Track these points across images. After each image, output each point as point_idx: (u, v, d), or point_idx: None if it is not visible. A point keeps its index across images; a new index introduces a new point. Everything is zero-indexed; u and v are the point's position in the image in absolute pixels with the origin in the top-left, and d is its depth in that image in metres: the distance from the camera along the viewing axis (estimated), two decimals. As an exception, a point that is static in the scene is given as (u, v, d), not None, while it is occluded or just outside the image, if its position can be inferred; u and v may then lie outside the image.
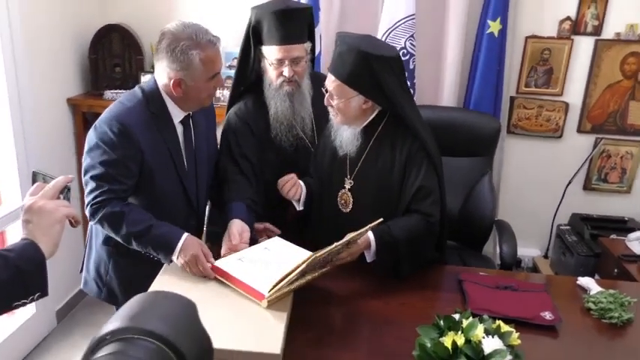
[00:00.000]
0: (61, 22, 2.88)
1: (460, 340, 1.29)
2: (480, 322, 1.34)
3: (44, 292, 1.10)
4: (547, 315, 1.65)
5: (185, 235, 1.74)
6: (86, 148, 1.77)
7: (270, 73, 2.03)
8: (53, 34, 2.81)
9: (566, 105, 3.15)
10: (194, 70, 1.71)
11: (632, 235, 2.74)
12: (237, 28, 2.51)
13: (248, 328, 1.47)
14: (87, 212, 1.75)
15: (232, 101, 2.19)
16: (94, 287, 1.96)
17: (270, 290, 1.55)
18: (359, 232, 1.70)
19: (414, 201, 1.86)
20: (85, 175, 1.76)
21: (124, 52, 3.08)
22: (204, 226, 2.13)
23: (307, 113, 2.09)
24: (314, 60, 2.23)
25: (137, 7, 3.15)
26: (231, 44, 3.01)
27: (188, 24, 1.73)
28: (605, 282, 1.97)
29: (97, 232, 1.90)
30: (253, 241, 1.90)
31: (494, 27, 2.89)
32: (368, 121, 1.91)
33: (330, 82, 1.84)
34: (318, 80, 2.09)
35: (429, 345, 1.33)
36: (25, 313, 2.71)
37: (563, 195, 3.21)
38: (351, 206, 1.96)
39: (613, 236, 2.88)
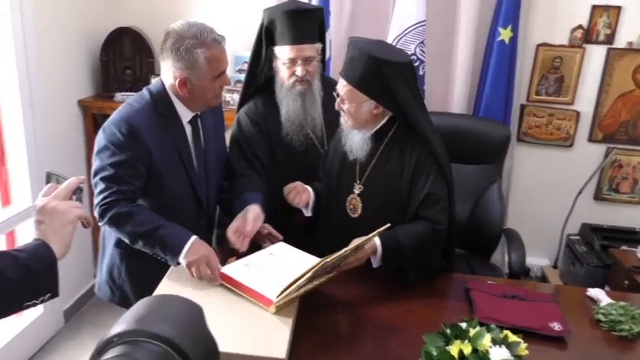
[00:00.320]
0: (73, 24, 2.90)
1: (467, 349, 1.28)
2: (488, 332, 1.33)
3: (55, 293, 1.10)
4: (556, 326, 1.63)
5: (193, 237, 1.74)
6: (95, 149, 1.78)
7: (282, 73, 2.06)
8: (65, 37, 2.84)
9: (577, 114, 3.13)
10: (199, 69, 1.72)
11: (643, 247, 2.71)
12: (248, 31, 2.52)
13: (253, 333, 1.47)
14: (95, 213, 1.75)
15: (242, 102, 2.21)
16: (107, 291, 1.96)
17: (279, 296, 1.55)
18: (366, 237, 1.70)
19: (422, 207, 1.85)
20: (94, 176, 1.76)
21: (134, 55, 3.10)
22: (214, 227, 2.13)
23: (318, 114, 2.12)
24: (324, 61, 2.25)
25: (148, 10, 3.17)
26: (241, 48, 3.02)
27: (193, 23, 1.74)
28: (616, 294, 1.94)
29: (109, 235, 1.91)
30: (257, 247, 1.90)
31: (504, 34, 2.88)
32: (379, 126, 1.90)
33: (342, 87, 1.84)
34: (328, 84, 2.12)
35: (434, 353, 1.32)
36: (33, 312, 2.72)
37: (574, 204, 3.18)
38: (359, 211, 1.96)
39: (624, 247, 2.85)
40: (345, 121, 1.91)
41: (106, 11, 3.15)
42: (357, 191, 1.96)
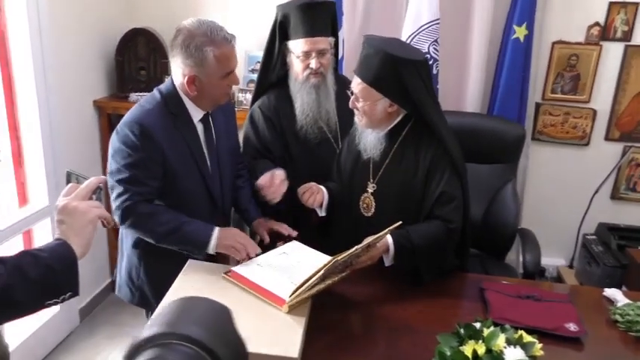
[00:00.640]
0: (89, 26, 2.93)
1: (481, 349, 1.27)
2: (502, 332, 1.31)
3: (75, 292, 1.12)
4: (571, 326, 1.61)
5: (217, 228, 1.79)
6: (110, 152, 1.79)
7: (297, 67, 2.09)
8: (81, 38, 2.87)
9: (594, 112, 3.09)
10: (208, 67, 1.72)
11: (661, 247, 2.67)
12: (261, 31, 2.53)
13: (266, 332, 1.47)
14: (116, 217, 1.76)
15: (255, 97, 2.25)
16: (127, 292, 1.97)
17: (291, 295, 1.55)
18: (378, 235, 1.69)
19: (436, 206, 1.84)
20: (111, 178, 1.77)
21: (149, 56, 3.12)
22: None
23: (331, 107, 2.15)
24: (337, 55, 2.29)
25: (163, 11, 3.19)
26: (254, 48, 3.03)
27: (204, 21, 1.74)
28: (633, 294, 1.91)
29: (126, 236, 1.93)
30: (272, 247, 1.91)
31: (520, 32, 2.86)
32: (393, 124, 1.90)
33: (356, 85, 1.84)
34: (341, 81, 2.15)
35: (448, 353, 1.31)
36: (49, 311, 2.75)
37: (590, 204, 3.14)
38: (373, 210, 1.95)
39: (641, 247, 2.81)
40: (359, 119, 1.91)
41: (120, 13, 3.17)
42: (370, 190, 1.96)
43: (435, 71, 2.83)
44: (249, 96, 2.92)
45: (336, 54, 2.23)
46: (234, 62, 1.79)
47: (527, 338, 1.32)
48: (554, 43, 3.02)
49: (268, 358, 1.37)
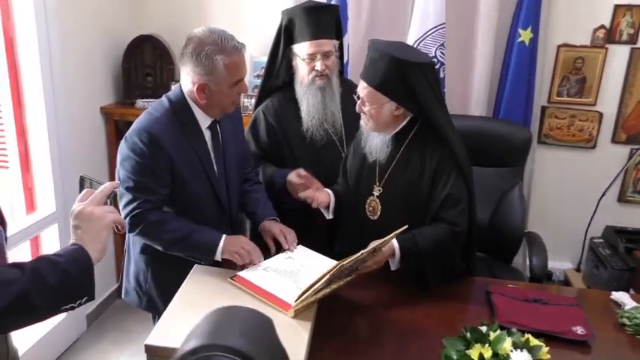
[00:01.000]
0: (96, 32, 2.96)
1: (487, 353, 1.27)
2: (508, 335, 1.32)
3: (91, 296, 1.13)
4: (579, 330, 1.60)
5: (224, 236, 1.81)
6: (119, 159, 1.80)
7: (302, 70, 2.13)
8: (88, 45, 2.89)
9: (600, 115, 3.08)
10: (218, 75, 1.73)
11: (670, 249, 2.65)
12: (266, 37, 2.54)
13: (272, 336, 1.47)
14: (125, 225, 1.77)
15: (259, 101, 2.29)
16: (134, 297, 1.98)
17: (297, 300, 1.55)
18: (384, 239, 1.69)
19: (442, 209, 1.83)
20: (120, 186, 1.78)
21: (155, 62, 3.15)
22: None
23: (337, 109, 2.18)
24: (342, 58, 2.31)
25: (169, 18, 3.22)
26: (260, 54, 3.05)
27: (214, 29, 1.76)
28: (641, 297, 1.91)
29: (134, 242, 1.94)
30: (277, 251, 1.91)
31: (525, 36, 2.86)
32: (399, 127, 1.90)
33: (362, 89, 1.84)
34: (346, 84, 2.19)
35: (454, 357, 1.31)
36: (57, 316, 2.76)
37: (597, 207, 3.13)
38: (379, 213, 1.95)
39: (649, 250, 2.80)
40: (365, 123, 1.91)
41: (127, 20, 3.20)
42: (376, 193, 1.96)
43: (442, 75, 2.84)
44: (254, 101, 2.93)
45: (341, 57, 2.26)
46: (244, 71, 1.81)
47: (534, 342, 1.32)
48: (559, 46, 3.02)
49: (275, 362, 1.37)
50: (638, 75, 2.99)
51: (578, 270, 3.25)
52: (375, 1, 3.04)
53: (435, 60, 2.78)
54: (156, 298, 1.93)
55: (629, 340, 1.63)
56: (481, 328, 1.38)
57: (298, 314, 1.55)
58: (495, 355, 1.27)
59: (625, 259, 2.82)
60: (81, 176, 1.27)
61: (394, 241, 1.78)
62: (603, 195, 3.12)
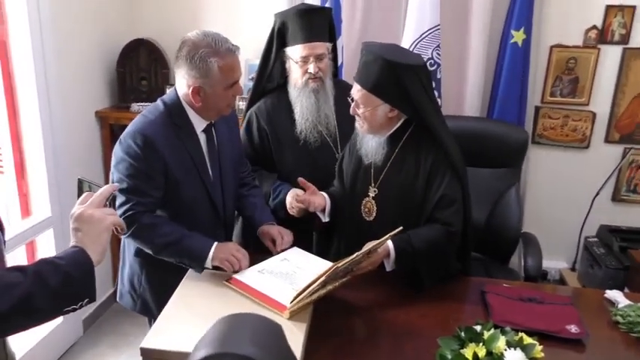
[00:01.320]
0: (91, 37, 2.96)
1: (481, 352, 1.28)
2: (502, 334, 1.32)
3: (92, 298, 1.15)
4: (573, 328, 1.61)
5: (215, 243, 1.78)
6: (113, 162, 1.80)
7: (295, 73, 2.13)
8: (83, 49, 2.90)
9: (593, 115, 3.10)
10: (212, 78, 1.73)
11: (663, 248, 2.67)
12: (260, 40, 2.55)
13: (268, 338, 1.47)
14: (124, 227, 1.77)
15: (251, 103, 2.30)
16: (129, 300, 1.98)
17: (292, 301, 1.56)
18: (379, 241, 1.70)
19: (436, 209, 1.85)
20: None
21: (150, 66, 3.15)
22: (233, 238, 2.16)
23: (330, 111, 2.19)
24: (335, 59, 2.32)
25: (164, 22, 3.22)
26: (254, 57, 3.05)
27: (208, 32, 1.76)
28: (634, 295, 1.91)
29: (129, 244, 1.94)
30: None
31: (517, 37, 2.88)
32: (394, 129, 1.91)
33: (356, 91, 1.85)
34: (339, 86, 2.19)
35: (449, 357, 1.32)
36: (53, 320, 2.76)
37: (591, 206, 3.15)
38: (374, 214, 1.96)
39: (643, 248, 2.81)
40: (360, 125, 1.92)
41: (122, 23, 3.20)
42: (371, 194, 1.97)
43: (438, 76, 2.86)
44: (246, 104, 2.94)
45: (334, 59, 2.26)
46: (239, 73, 1.81)
47: (528, 340, 1.33)
48: (552, 47, 3.04)
49: (270, 363, 1.37)
50: (631, 74, 3.01)
51: (573, 269, 3.27)
52: (369, 4, 3.05)
53: (432, 61, 2.80)
54: (150, 301, 1.93)
55: (622, 337, 1.64)
56: (475, 327, 1.38)
57: (294, 316, 1.56)
58: (489, 353, 1.28)
59: (620, 258, 2.83)
60: (79, 179, 1.27)
61: (389, 242, 1.78)
62: (597, 194, 3.14)
